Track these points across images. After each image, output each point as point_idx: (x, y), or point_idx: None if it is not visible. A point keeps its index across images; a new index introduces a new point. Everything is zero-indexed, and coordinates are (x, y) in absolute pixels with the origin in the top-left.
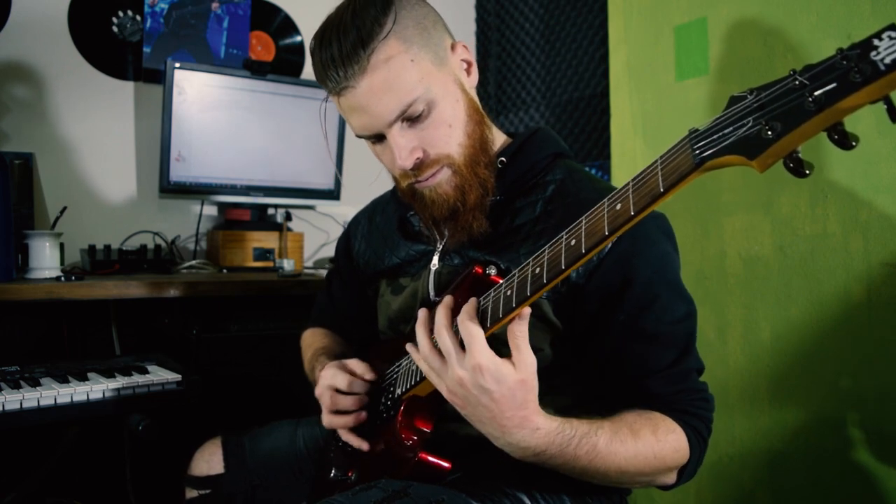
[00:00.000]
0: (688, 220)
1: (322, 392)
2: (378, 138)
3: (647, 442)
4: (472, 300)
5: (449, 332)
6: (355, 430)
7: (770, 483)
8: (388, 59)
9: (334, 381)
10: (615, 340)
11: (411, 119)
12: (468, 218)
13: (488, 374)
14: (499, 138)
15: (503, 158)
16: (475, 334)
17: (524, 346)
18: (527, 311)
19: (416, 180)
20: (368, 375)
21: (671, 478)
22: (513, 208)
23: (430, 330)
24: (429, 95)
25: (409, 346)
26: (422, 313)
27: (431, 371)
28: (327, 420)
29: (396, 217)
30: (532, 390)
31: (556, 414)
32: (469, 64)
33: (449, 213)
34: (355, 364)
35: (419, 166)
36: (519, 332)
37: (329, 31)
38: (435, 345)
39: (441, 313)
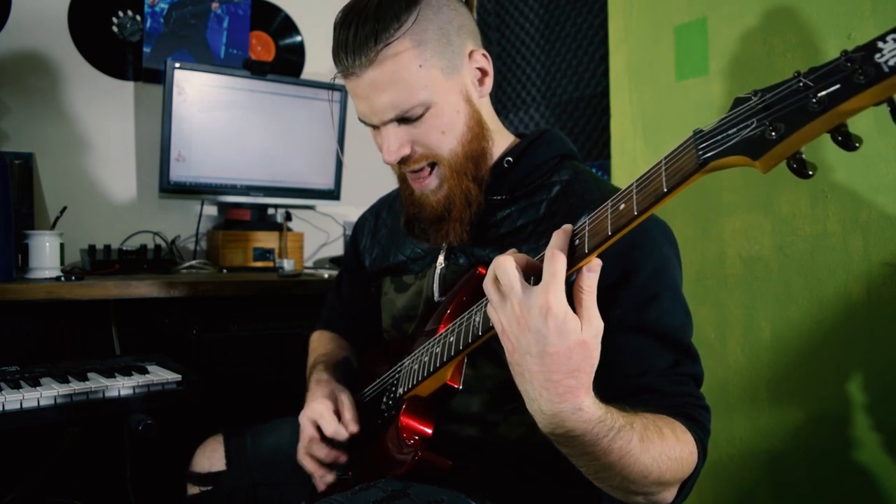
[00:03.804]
0: (688, 220)
1: (305, 424)
2: (375, 126)
3: (669, 442)
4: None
5: (516, 265)
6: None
7: (770, 483)
8: (396, 56)
9: (321, 421)
10: (613, 335)
11: (406, 120)
12: (448, 228)
13: (553, 321)
14: (506, 139)
15: (510, 158)
16: (558, 271)
17: (591, 303)
18: (597, 262)
19: (408, 170)
20: (352, 427)
21: (672, 493)
22: (518, 208)
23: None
24: (429, 102)
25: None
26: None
27: (490, 306)
28: (305, 461)
29: (403, 214)
30: (589, 359)
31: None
32: (484, 73)
33: (434, 219)
34: (347, 408)
35: (405, 161)
36: (586, 286)
37: (352, 13)
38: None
39: (508, 258)
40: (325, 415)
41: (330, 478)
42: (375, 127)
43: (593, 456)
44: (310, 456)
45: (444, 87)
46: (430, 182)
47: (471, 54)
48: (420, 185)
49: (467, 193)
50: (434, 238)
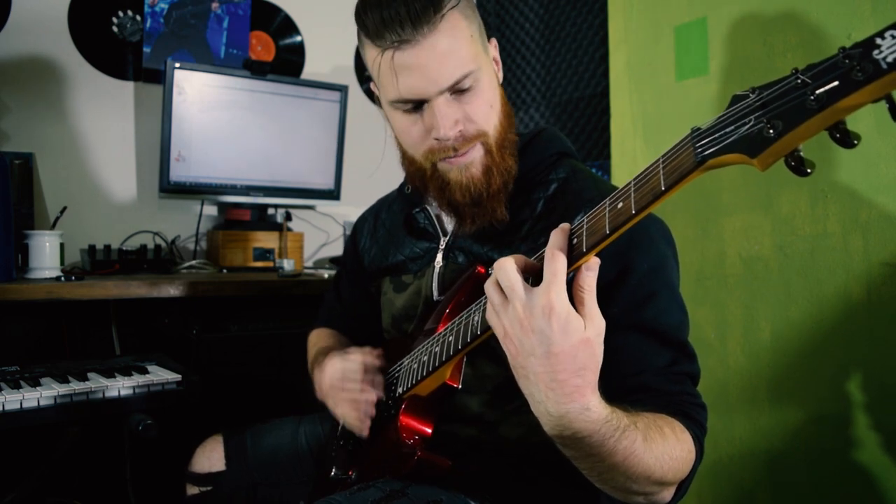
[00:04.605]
0: (688, 220)
1: (332, 380)
2: (416, 106)
3: (671, 442)
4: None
5: (517, 268)
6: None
7: (770, 483)
8: (454, 27)
9: (346, 364)
10: (610, 334)
11: (459, 91)
12: (492, 204)
13: (556, 321)
14: None
15: None
16: (559, 271)
17: (592, 302)
18: (595, 260)
19: (447, 157)
20: (375, 359)
21: (671, 492)
22: (515, 205)
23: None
24: (479, 74)
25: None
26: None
27: (491, 309)
28: (349, 412)
29: (402, 214)
30: (594, 357)
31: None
32: (497, 62)
33: (471, 199)
34: (357, 350)
35: (458, 139)
36: (586, 285)
37: None
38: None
39: (508, 260)
40: (346, 360)
41: (371, 410)
42: (416, 108)
43: (599, 457)
44: (347, 399)
45: (485, 62)
46: (473, 155)
47: (489, 40)
48: (464, 159)
49: (508, 169)
50: (474, 220)
